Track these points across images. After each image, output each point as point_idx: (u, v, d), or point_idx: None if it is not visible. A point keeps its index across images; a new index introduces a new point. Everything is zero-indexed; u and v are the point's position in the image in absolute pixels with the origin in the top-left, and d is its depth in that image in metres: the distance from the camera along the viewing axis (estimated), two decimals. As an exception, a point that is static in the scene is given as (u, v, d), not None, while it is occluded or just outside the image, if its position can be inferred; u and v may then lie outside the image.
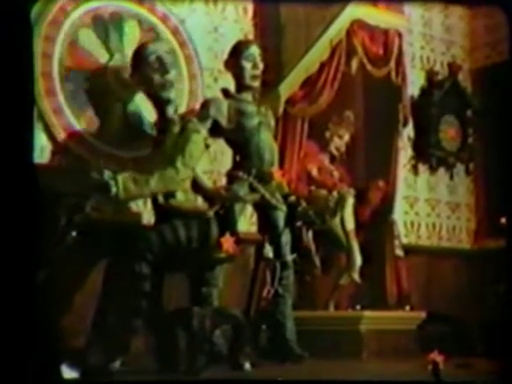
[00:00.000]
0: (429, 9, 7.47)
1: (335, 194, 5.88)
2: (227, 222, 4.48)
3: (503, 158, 4.18)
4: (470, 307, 6.70)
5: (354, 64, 6.16)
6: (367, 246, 6.04)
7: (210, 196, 4.68)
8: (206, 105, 5.15)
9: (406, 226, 7.08)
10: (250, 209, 5.52)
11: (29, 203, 3.17)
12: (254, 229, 5.66)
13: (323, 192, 5.90)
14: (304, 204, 5.37)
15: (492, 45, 7.47)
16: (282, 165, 5.62)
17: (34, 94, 4.44)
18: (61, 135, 4.97)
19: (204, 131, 4.69)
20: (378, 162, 6.46)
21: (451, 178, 7.48)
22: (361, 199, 6.10)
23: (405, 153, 7.04)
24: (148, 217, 5.02)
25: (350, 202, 5.91)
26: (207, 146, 4.70)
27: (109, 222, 4.71)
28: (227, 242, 4.38)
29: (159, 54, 4.63)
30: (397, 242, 6.40)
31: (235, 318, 4.51)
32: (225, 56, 5.38)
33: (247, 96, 5.25)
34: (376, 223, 6.30)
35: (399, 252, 6.38)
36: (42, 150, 4.91)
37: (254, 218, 5.63)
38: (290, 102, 5.89)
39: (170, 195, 4.44)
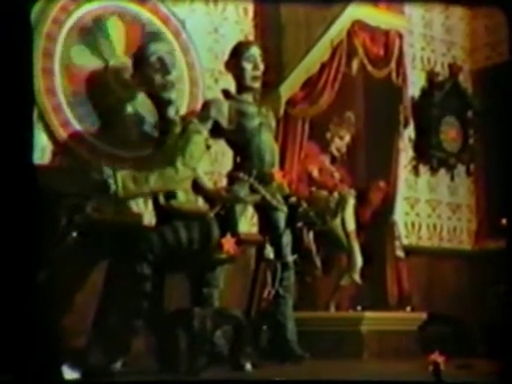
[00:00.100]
0: (429, 10, 7.47)
1: (336, 194, 5.89)
2: (228, 223, 4.48)
3: (504, 159, 4.18)
4: (471, 308, 6.70)
5: (355, 65, 6.16)
6: (368, 246, 6.04)
7: (210, 197, 4.68)
8: (206, 106, 5.14)
9: (406, 226, 7.08)
10: (250, 210, 5.52)
11: (29, 203, 3.17)
12: (254, 230, 5.66)
13: (324, 193, 5.90)
14: (305, 205, 5.37)
15: (492, 45, 7.47)
16: (282, 166, 5.62)
17: (34, 94, 4.45)
18: (61, 136, 4.97)
19: (205, 132, 4.69)
20: (379, 162, 6.46)
21: (452, 178, 7.48)
22: (361, 200, 6.10)
23: (405, 154, 7.05)
24: (149, 218, 5.01)
25: (351, 202, 5.91)
26: (208, 147, 4.70)
27: (109, 222, 4.70)
28: (228, 243, 4.38)
29: (160, 55, 4.62)
30: (397, 243, 6.40)
31: (236, 318, 4.50)
32: (225, 57, 5.38)
33: (248, 97, 5.25)
34: (377, 224, 6.30)
35: (400, 253, 6.38)
36: (43, 150, 4.91)
37: (255, 219, 5.63)
38: (291, 102, 5.89)
39: (170, 196, 4.44)
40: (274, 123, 5.50)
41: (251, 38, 6.07)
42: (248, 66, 5.19)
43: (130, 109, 5.17)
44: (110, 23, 5.26)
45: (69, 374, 3.87)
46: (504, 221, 5.89)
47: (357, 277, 5.83)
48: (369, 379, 4.22)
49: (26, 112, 3.27)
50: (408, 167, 7.17)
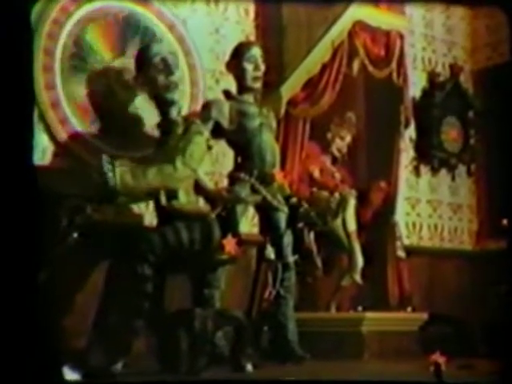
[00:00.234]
0: (430, 10, 7.47)
1: (337, 195, 5.88)
2: (229, 224, 4.49)
3: (505, 159, 4.18)
4: (472, 308, 6.69)
5: (356, 65, 6.16)
6: (369, 247, 6.04)
7: (211, 198, 4.68)
8: (207, 106, 5.15)
9: (407, 227, 7.08)
10: (251, 210, 5.52)
11: (29, 205, 3.17)
12: (255, 230, 5.66)
13: (325, 193, 5.90)
14: (306, 205, 5.37)
15: (493, 46, 7.47)
16: (283, 166, 5.62)
17: (35, 94, 4.45)
18: (62, 137, 4.97)
19: (206, 133, 4.69)
20: (380, 163, 6.46)
21: (453, 179, 7.48)
22: (362, 200, 6.10)
23: (406, 154, 7.05)
24: (150, 218, 5.02)
25: (352, 203, 5.91)
26: (209, 148, 4.70)
27: (110, 223, 4.70)
28: (229, 244, 4.38)
29: (164, 56, 4.63)
30: (398, 243, 6.40)
31: (237, 319, 4.51)
32: (226, 57, 5.38)
33: (249, 97, 5.25)
34: (378, 224, 6.30)
35: (401, 253, 6.37)
36: (44, 151, 4.92)
37: (256, 220, 5.64)
38: (292, 103, 5.89)
39: (172, 197, 4.44)
40: (274, 124, 5.50)
41: (252, 38, 6.07)
42: (249, 67, 5.19)
43: (131, 110, 5.17)
44: (109, 24, 5.26)
45: (69, 374, 3.87)
46: (505, 221, 5.90)
47: (358, 277, 5.83)
48: (369, 380, 4.22)
49: (26, 112, 3.26)
50: (409, 167, 7.17)
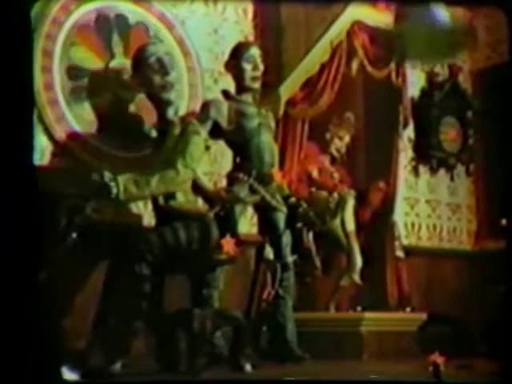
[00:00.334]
0: (429, 10, 7.46)
1: (336, 195, 5.89)
2: (228, 224, 4.48)
3: (504, 160, 4.18)
4: (471, 308, 6.70)
5: (355, 65, 6.16)
6: (368, 247, 6.04)
7: (210, 198, 4.68)
8: (206, 106, 5.15)
9: (406, 227, 7.09)
10: (250, 210, 5.53)
11: (29, 205, 3.16)
12: (254, 230, 5.66)
13: (324, 193, 5.90)
14: (304, 205, 5.37)
15: (492, 46, 7.47)
16: (282, 166, 5.62)
17: (34, 94, 4.45)
18: (61, 137, 4.97)
19: (204, 133, 4.69)
20: (379, 163, 6.46)
21: (452, 179, 7.48)
22: (361, 200, 6.10)
23: (405, 154, 7.05)
24: (148, 218, 5.02)
25: (351, 203, 5.91)
26: (207, 148, 4.71)
27: (109, 223, 4.71)
28: (228, 244, 4.38)
29: (159, 56, 4.63)
30: (397, 244, 6.40)
31: (236, 319, 4.50)
32: (225, 57, 5.38)
33: (247, 97, 5.25)
34: (376, 224, 6.30)
35: (400, 253, 6.37)
36: (43, 151, 4.91)
37: (255, 220, 5.63)
38: (291, 103, 5.89)
39: (170, 197, 4.44)
40: (273, 124, 5.49)
41: (251, 38, 6.06)
42: (248, 67, 5.19)
43: (129, 110, 5.17)
44: (108, 24, 5.26)
45: (68, 374, 3.87)
46: (504, 221, 5.89)
47: (356, 277, 5.83)
48: (369, 380, 4.22)
49: (26, 113, 3.26)
50: (408, 167, 7.18)
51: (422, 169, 7.30)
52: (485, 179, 7.50)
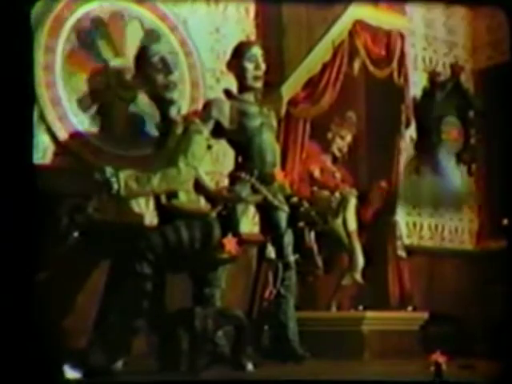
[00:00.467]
0: (431, 10, 7.46)
1: (337, 194, 5.89)
2: (229, 223, 4.48)
3: (505, 159, 4.18)
4: (473, 308, 6.69)
5: (356, 65, 6.16)
6: (369, 246, 6.04)
7: (212, 197, 4.68)
8: (208, 106, 5.15)
9: (408, 226, 7.08)
10: (252, 209, 5.52)
11: (28, 204, 3.16)
12: (256, 229, 5.66)
13: (325, 193, 5.91)
14: (306, 205, 5.37)
15: (494, 45, 7.47)
16: (284, 166, 5.62)
17: (35, 93, 4.45)
18: (63, 136, 4.97)
19: (206, 132, 4.69)
20: (381, 162, 6.46)
21: (453, 178, 7.48)
22: (363, 200, 6.10)
23: (407, 154, 7.04)
24: (150, 217, 5.02)
25: (353, 202, 5.91)
26: (209, 147, 4.70)
27: (111, 222, 4.71)
28: (230, 243, 4.38)
29: (162, 55, 4.63)
30: (399, 243, 6.40)
31: (237, 318, 4.50)
32: (227, 57, 5.38)
33: (249, 97, 5.25)
34: (378, 224, 6.30)
35: (401, 253, 6.37)
36: (45, 151, 4.92)
37: (257, 219, 5.64)
38: (292, 102, 5.89)
39: (172, 196, 4.44)
40: (275, 123, 5.49)
41: (253, 37, 6.07)
42: (249, 66, 5.19)
43: (131, 109, 5.17)
44: (109, 23, 5.26)
45: (70, 373, 3.88)
46: (505, 221, 5.89)
47: (358, 276, 5.84)
48: (370, 379, 4.22)
49: (25, 112, 3.27)
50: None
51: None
52: (486, 179, 7.49)
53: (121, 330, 4.11)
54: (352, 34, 6.03)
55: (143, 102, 5.09)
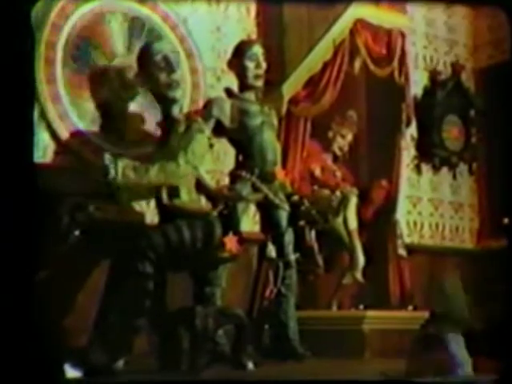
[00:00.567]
0: (431, 8, 7.46)
1: (338, 193, 5.89)
2: (230, 222, 4.48)
3: (506, 158, 4.18)
4: (473, 307, 6.69)
5: (357, 64, 6.17)
6: (370, 245, 6.04)
7: (213, 196, 4.68)
8: (208, 104, 5.14)
9: (408, 225, 7.08)
10: (253, 208, 5.53)
11: (28, 203, 3.16)
12: (257, 228, 5.67)
13: (326, 192, 5.91)
14: (307, 203, 5.37)
15: (495, 44, 7.47)
16: (284, 164, 5.62)
17: (35, 92, 4.45)
18: (63, 135, 4.97)
19: (208, 131, 4.69)
20: (381, 161, 6.46)
21: (454, 177, 7.48)
22: (364, 199, 6.10)
23: (408, 152, 7.05)
24: (151, 216, 5.02)
25: (353, 201, 5.91)
26: (211, 146, 4.71)
27: (112, 221, 4.70)
28: (230, 242, 4.38)
29: (165, 54, 4.62)
30: (400, 242, 6.40)
31: (238, 317, 4.51)
32: (228, 55, 5.38)
33: (250, 95, 5.25)
34: (379, 223, 6.30)
35: (402, 251, 6.37)
36: (45, 149, 4.92)
37: (257, 218, 5.64)
38: (293, 101, 5.89)
39: (173, 195, 4.44)
40: (276, 122, 5.49)
41: (253, 36, 6.07)
42: (250, 65, 5.19)
43: (132, 108, 5.17)
44: (110, 22, 5.26)
45: (71, 372, 3.88)
46: (506, 220, 5.90)
47: (359, 275, 5.84)
48: (371, 378, 4.22)
49: (26, 111, 3.27)
50: (410, 166, 7.18)
51: (425, 167, 7.30)
52: (487, 178, 7.49)
53: (121, 329, 4.11)
54: (353, 32, 6.03)
55: (145, 100, 5.09)
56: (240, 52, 5.24)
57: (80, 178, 4.39)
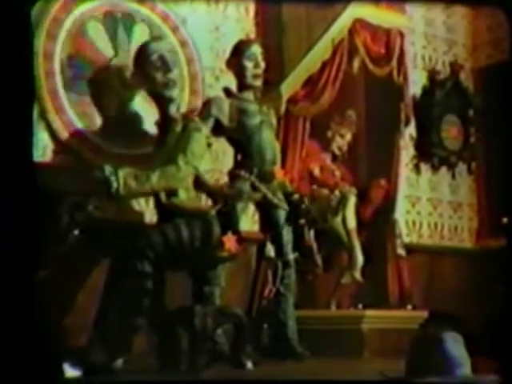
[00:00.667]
0: (430, 8, 7.47)
1: (337, 193, 5.89)
2: (229, 221, 4.48)
3: (505, 158, 4.18)
4: (472, 306, 6.70)
5: (356, 63, 6.17)
6: (369, 244, 6.05)
7: (212, 194, 4.68)
8: (207, 104, 5.15)
9: (407, 225, 7.09)
10: (251, 208, 5.53)
11: (28, 202, 3.16)
12: (256, 228, 5.67)
13: (325, 191, 5.91)
14: (306, 203, 5.37)
15: (494, 44, 7.47)
16: (283, 164, 5.62)
17: (35, 91, 4.45)
18: (63, 134, 4.97)
19: (206, 130, 4.69)
20: (380, 161, 6.47)
21: (453, 177, 7.49)
22: (363, 198, 6.10)
23: (407, 152, 7.05)
24: (150, 216, 5.02)
25: (352, 201, 5.91)
26: (209, 145, 4.71)
27: (111, 220, 4.71)
28: (229, 241, 4.38)
29: (161, 53, 4.62)
30: (398, 241, 6.40)
31: (237, 316, 4.51)
32: (226, 55, 5.38)
33: (249, 95, 5.26)
34: (378, 222, 6.30)
35: (401, 251, 6.38)
36: (44, 148, 4.92)
37: (256, 217, 5.64)
38: (292, 101, 5.89)
39: (172, 194, 4.44)
40: (275, 121, 5.49)
41: (252, 36, 6.07)
42: (249, 64, 5.19)
43: (131, 107, 5.17)
44: (112, 20, 5.26)
45: (70, 371, 3.88)
46: (505, 219, 5.90)
47: (358, 275, 5.84)
48: (370, 378, 4.22)
49: (26, 110, 3.27)
50: (409, 165, 7.18)
51: (424, 167, 7.30)
52: (486, 177, 7.50)
53: (121, 329, 4.12)
54: (352, 32, 6.03)
55: (142, 99, 5.08)
56: (239, 52, 5.24)
57: (79, 177, 4.39)
